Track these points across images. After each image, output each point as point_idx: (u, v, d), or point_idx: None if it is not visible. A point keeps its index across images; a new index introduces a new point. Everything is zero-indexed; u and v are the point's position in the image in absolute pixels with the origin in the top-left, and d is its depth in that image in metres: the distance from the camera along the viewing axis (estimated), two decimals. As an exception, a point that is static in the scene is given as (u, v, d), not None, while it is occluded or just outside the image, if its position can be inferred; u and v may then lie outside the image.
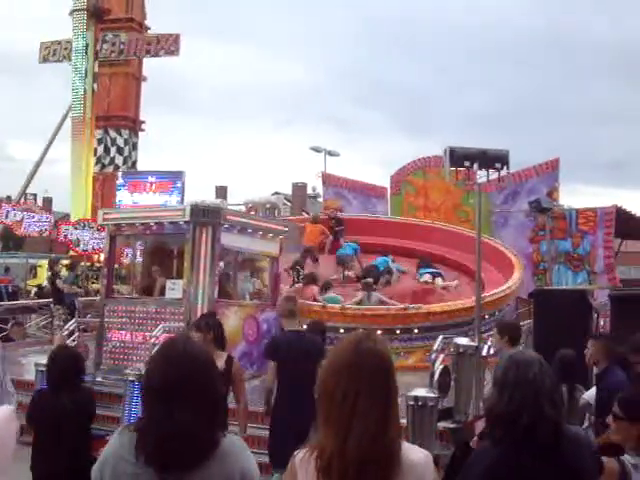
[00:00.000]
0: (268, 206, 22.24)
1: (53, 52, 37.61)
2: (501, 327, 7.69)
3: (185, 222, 12.29)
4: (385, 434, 2.34)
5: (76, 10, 37.08)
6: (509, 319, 9.24)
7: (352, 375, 2.37)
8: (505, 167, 10.49)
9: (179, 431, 2.39)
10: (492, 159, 10.34)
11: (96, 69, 37.55)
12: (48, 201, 50.27)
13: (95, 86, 37.24)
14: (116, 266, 28.28)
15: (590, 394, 6.94)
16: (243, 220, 13.44)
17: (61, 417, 5.65)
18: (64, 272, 21.87)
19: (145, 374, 2.60)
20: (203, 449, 2.43)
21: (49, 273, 21.15)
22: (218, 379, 2.61)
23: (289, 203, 46.73)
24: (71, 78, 36.63)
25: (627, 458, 3.64)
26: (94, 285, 23.32)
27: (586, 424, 6.99)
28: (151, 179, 33.11)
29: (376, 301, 14.91)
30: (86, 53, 36.70)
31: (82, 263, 25.30)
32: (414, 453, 2.46)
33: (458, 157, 10.26)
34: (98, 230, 24.97)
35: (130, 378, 9.46)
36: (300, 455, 2.47)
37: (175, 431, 2.39)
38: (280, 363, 7.13)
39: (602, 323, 11.38)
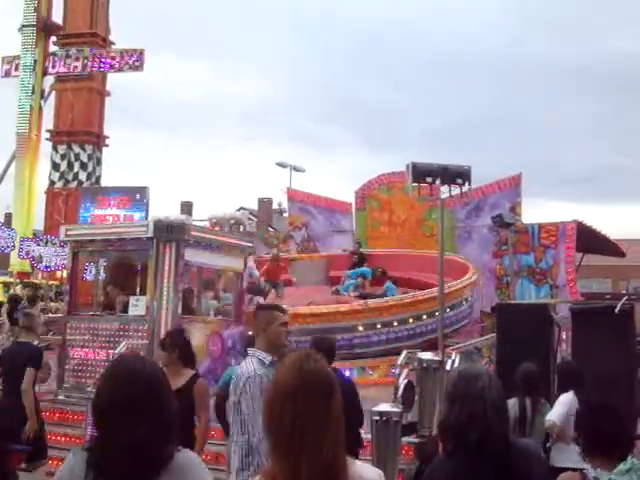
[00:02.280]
0: (232, 222, 22.13)
1: (16, 66, 37.32)
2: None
3: (148, 238, 12.23)
4: (334, 453, 2.34)
5: (25, 26, 36.91)
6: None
7: (297, 401, 2.36)
8: (467, 183, 10.60)
9: (127, 448, 2.40)
10: (454, 175, 10.45)
11: (45, 85, 37.39)
12: (9, 217, 49.66)
13: (42, 103, 37.09)
14: (53, 283, 28.14)
15: (556, 413, 6.98)
16: (207, 236, 13.41)
17: None
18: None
19: (95, 392, 2.60)
20: (153, 465, 2.44)
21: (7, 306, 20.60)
22: (169, 395, 2.60)
23: (254, 218, 46.65)
24: (17, 94, 36.46)
25: (590, 472, 3.69)
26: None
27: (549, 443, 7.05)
28: (115, 195, 32.98)
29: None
30: (34, 69, 36.51)
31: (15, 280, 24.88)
32: (368, 472, 2.47)
33: (420, 173, 10.36)
34: (61, 246, 24.66)
35: (93, 396, 9.37)
36: None
37: (123, 448, 2.40)
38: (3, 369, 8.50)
39: (564, 337, 11.50)
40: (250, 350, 4.93)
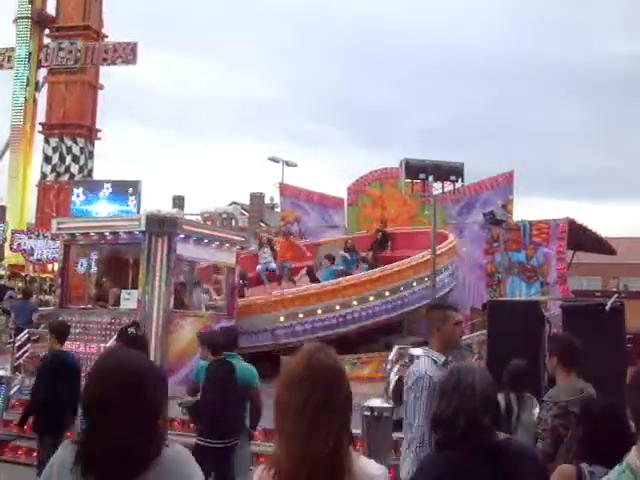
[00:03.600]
0: (224, 216, 22.20)
1: (8, 59, 37.20)
2: (51, 326, 8.82)
3: (140, 232, 12.23)
4: (336, 442, 2.37)
5: (20, 18, 36.83)
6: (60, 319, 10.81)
7: (304, 389, 2.40)
8: (460, 179, 10.62)
9: (114, 443, 2.41)
10: (447, 172, 10.47)
11: (39, 77, 37.31)
12: (2, 209, 49.53)
13: (36, 95, 37.02)
14: (46, 276, 28.13)
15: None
16: (199, 230, 13.42)
17: None
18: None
19: (83, 387, 2.61)
20: (140, 460, 2.44)
21: None
22: (154, 390, 2.60)
23: (246, 213, 46.63)
24: (11, 86, 36.40)
25: (584, 466, 3.71)
26: None
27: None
28: (107, 188, 32.89)
29: None
30: (29, 61, 36.42)
31: None
32: (372, 467, 2.50)
33: (414, 169, 10.38)
34: (53, 239, 24.60)
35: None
36: (258, 472, 2.48)
37: (110, 443, 2.41)
38: None
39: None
40: (424, 349, 4.81)
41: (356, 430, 7.78)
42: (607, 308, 9.36)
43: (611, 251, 24.91)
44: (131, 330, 7.24)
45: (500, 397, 6.99)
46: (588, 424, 3.91)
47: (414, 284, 16.08)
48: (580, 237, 21.37)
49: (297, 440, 2.36)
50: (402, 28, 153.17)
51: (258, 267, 17.84)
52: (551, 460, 5.34)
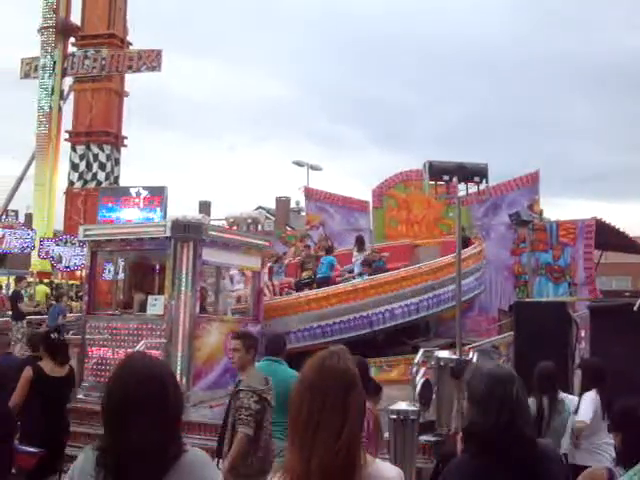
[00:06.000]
0: (250, 221, 22.22)
1: (35, 68, 37.63)
2: None
3: (166, 238, 12.29)
4: (348, 450, 2.35)
5: (44, 27, 37.24)
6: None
7: (314, 395, 2.39)
8: (484, 180, 10.51)
9: (134, 447, 2.42)
10: (471, 172, 10.36)
11: (64, 86, 37.68)
12: (30, 217, 50.01)
13: (61, 103, 37.38)
14: (72, 282, 28.36)
15: (587, 413, 6.91)
16: (224, 235, 13.45)
17: None
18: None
19: (104, 391, 2.61)
20: (160, 464, 2.45)
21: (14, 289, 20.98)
22: (177, 395, 2.61)
23: (272, 217, 46.71)
24: (37, 95, 36.80)
25: (616, 468, 3.67)
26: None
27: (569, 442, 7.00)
28: (134, 195, 33.11)
29: None
30: (53, 70, 36.81)
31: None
32: (387, 470, 2.48)
33: (437, 171, 10.29)
34: (80, 246, 24.83)
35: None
36: (275, 479, 2.46)
37: (130, 447, 2.42)
38: None
39: (583, 335, 11.44)
40: None
41: (384, 433, 7.74)
42: (636, 308, 9.26)
43: (639, 250, 24.65)
44: (54, 335, 7.27)
45: (531, 401, 6.94)
46: (630, 428, 3.84)
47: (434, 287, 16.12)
48: (608, 237, 21.16)
49: (307, 447, 2.34)
50: (422, 25, 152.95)
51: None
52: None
